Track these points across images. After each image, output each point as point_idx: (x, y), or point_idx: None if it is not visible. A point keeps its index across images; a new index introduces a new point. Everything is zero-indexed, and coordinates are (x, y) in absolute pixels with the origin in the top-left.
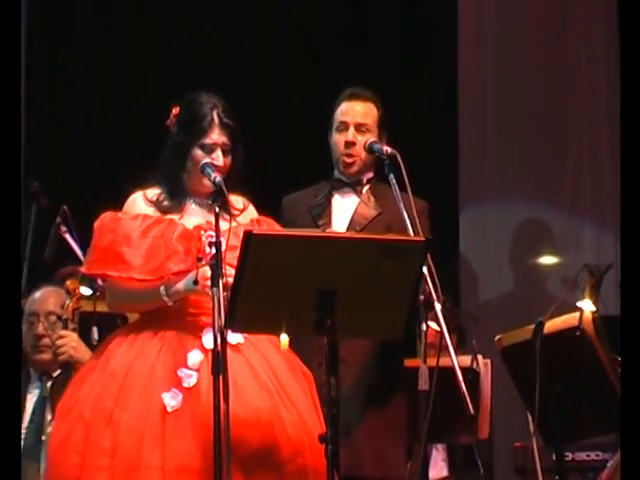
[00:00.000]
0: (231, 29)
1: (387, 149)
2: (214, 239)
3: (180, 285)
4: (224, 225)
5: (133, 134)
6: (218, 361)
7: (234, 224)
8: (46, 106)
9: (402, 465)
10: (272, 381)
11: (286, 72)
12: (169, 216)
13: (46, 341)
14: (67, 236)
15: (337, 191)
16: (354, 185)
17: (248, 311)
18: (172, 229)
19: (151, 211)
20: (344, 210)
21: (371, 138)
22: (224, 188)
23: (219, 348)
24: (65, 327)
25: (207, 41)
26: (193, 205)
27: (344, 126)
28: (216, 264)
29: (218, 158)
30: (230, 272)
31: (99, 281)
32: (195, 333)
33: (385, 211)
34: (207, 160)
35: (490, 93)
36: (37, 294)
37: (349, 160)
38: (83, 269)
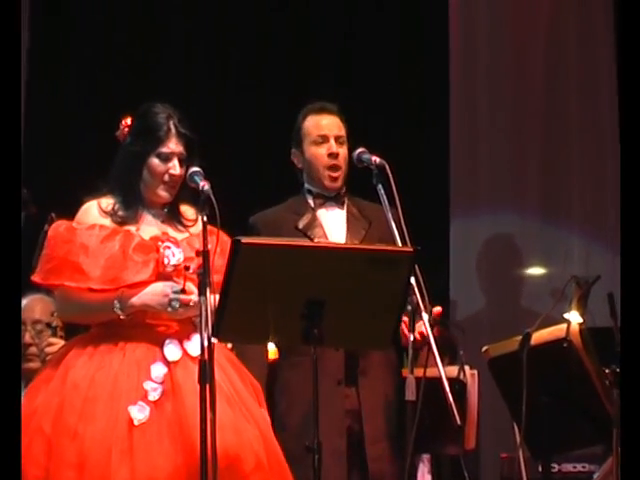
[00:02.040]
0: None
1: (376, 159)
2: (172, 249)
3: (135, 299)
4: (178, 235)
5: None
6: (205, 371)
7: (187, 235)
8: (39, 111)
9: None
10: (232, 394)
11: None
12: (125, 227)
13: (33, 350)
14: None
15: (321, 206)
16: (336, 198)
17: (235, 320)
18: (129, 240)
19: (107, 222)
20: (334, 224)
21: (345, 150)
22: (212, 197)
23: (206, 357)
24: (54, 335)
25: (203, 47)
26: (149, 216)
27: (324, 139)
28: (204, 273)
29: (175, 167)
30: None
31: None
32: (156, 344)
33: (373, 222)
34: (196, 169)
35: (482, 104)
36: (23, 302)
37: (335, 174)
38: (38, 279)
